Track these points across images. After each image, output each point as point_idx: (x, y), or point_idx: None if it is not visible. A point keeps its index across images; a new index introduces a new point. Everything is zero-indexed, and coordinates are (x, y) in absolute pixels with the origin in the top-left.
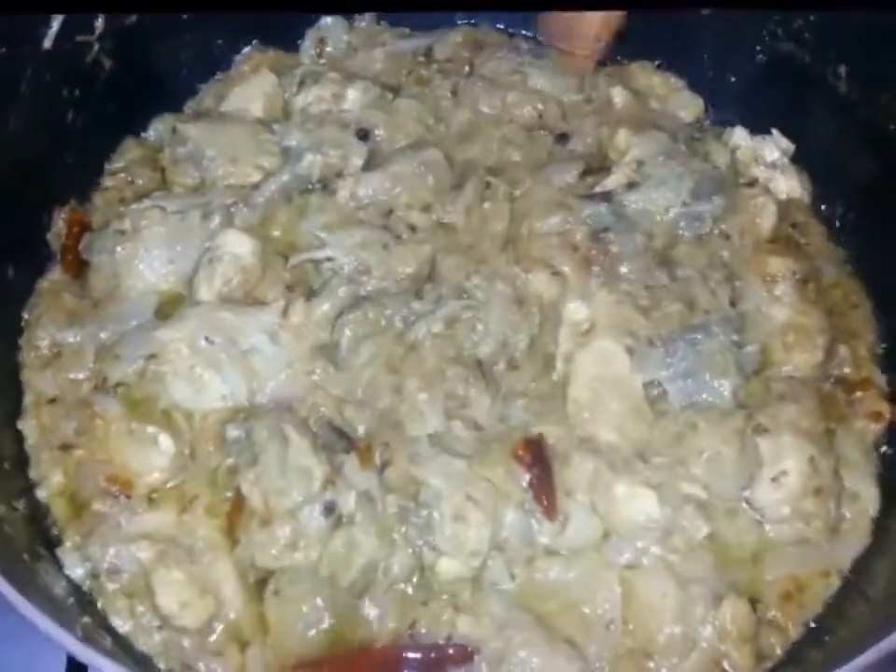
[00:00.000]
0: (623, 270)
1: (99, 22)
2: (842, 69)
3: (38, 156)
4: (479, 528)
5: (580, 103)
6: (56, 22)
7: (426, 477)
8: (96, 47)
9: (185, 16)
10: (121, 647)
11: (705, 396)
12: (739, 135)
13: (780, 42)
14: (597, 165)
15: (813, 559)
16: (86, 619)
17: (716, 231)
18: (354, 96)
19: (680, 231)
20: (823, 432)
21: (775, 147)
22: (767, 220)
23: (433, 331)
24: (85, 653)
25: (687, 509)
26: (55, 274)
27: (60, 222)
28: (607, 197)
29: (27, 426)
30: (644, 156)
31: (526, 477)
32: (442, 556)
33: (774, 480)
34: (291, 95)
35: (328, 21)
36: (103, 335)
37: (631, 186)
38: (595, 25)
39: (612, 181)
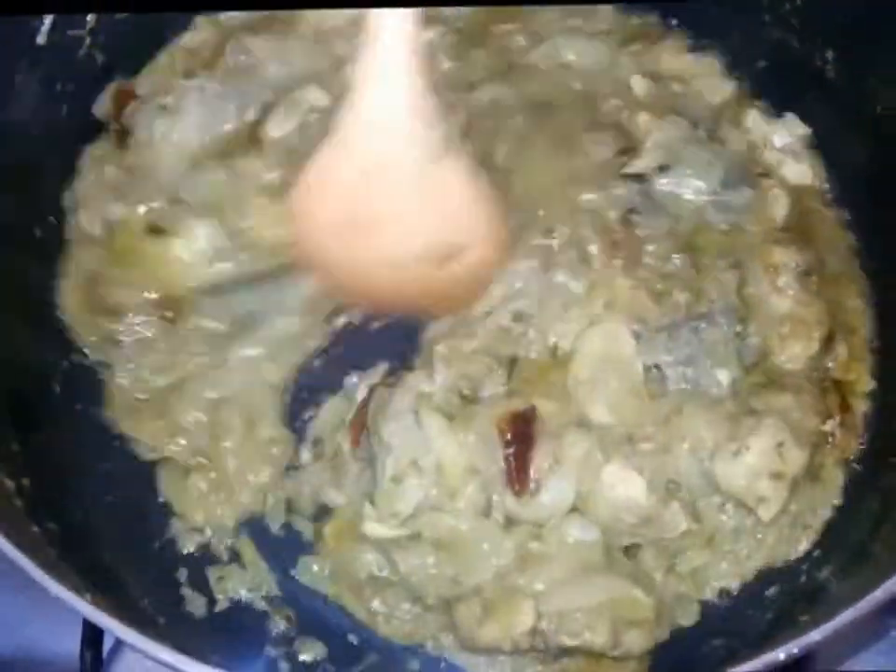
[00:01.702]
0: (646, 255)
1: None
2: (829, 54)
3: None
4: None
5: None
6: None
7: (382, 429)
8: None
9: None
10: None
11: (703, 382)
12: (752, 118)
13: (769, 28)
14: (627, 146)
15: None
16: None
17: (736, 220)
18: None
19: (708, 219)
20: (813, 431)
21: (786, 132)
22: (780, 211)
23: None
24: (96, 616)
25: (673, 504)
26: (101, 146)
27: (109, 94)
28: (639, 179)
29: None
30: (668, 140)
31: (503, 451)
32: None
33: (735, 452)
34: None
35: None
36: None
37: (662, 169)
38: None
39: (643, 163)
